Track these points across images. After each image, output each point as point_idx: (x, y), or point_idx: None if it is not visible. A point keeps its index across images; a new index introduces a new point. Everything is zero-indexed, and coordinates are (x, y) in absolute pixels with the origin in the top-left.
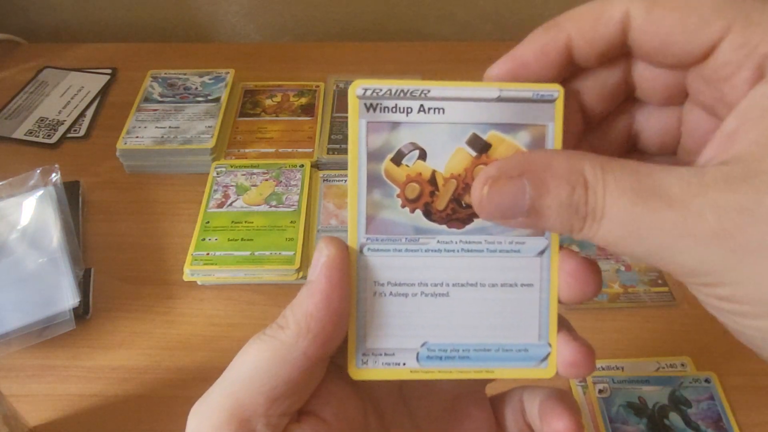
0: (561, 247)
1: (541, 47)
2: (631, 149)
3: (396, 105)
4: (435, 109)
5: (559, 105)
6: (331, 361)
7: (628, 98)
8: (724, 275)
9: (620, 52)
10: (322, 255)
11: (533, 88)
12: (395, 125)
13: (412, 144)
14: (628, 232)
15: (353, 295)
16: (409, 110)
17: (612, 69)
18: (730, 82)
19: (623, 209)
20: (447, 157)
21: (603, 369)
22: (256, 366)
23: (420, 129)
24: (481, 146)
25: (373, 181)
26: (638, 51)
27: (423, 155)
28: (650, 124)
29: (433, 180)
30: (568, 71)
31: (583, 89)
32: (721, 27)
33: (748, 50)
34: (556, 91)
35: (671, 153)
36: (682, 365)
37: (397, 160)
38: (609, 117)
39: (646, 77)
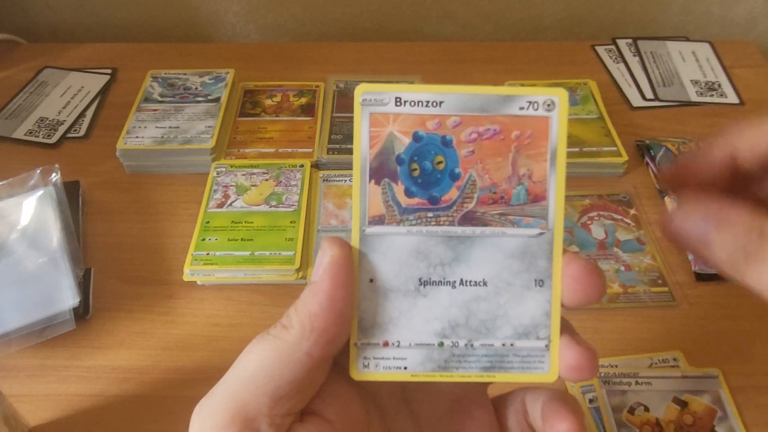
0: (564, 250)
1: (711, 157)
2: None
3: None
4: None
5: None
6: (334, 362)
7: None
8: None
9: None
10: (326, 255)
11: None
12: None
13: None
14: None
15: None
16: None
17: None
18: None
19: None
20: None
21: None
22: (260, 365)
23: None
24: None
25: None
26: None
27: None
28: None
29: None
30: (735, 178)
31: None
32: None
33: None
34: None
35: None
36: (674, 360)
37: None
38: None
39: None
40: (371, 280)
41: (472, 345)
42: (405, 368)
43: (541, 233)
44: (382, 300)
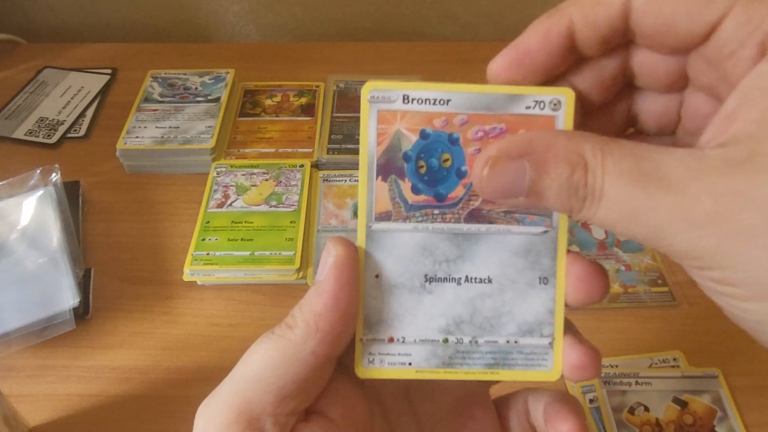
0: (568, 251)
1: (544, 33)
2: (629, 128)
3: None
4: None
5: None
6: (338, 362)
7: (627, 85)
8: (718, 259)
9: (621, 39)
10: (331, 255)
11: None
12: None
13: None
14: (626, 213)
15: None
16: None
17: (612, 58)
18: (732, 61)
19: (621, 191)
20: None
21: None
22: (265, 365)
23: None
24: None
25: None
26: (640, 35)
27: None
28: (649, 108)
29: None
30: (570, 59)
31: (583, 80)
32: (723, 5)
33: (750, 28)
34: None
35: (670, 134)
36: (674, 360)
37: None
38: (608, 103)
39: (647, 65)
40: (377, 276)
41: (476, 342)
42: (410, 364)
43: (546, 231)
44: (388, 296)
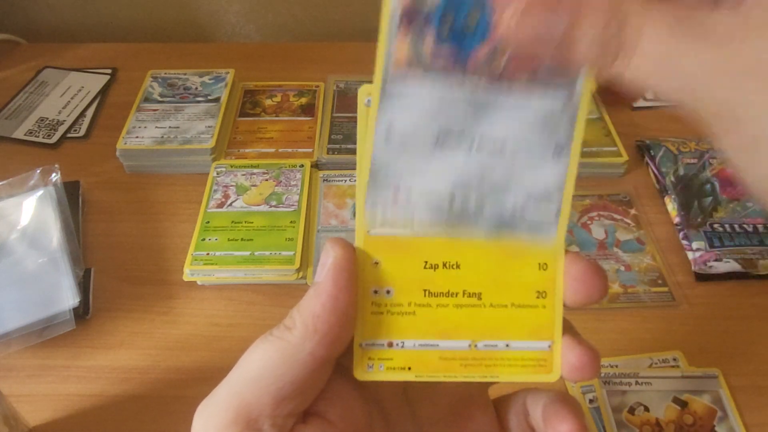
0: (566, 251)
1: None
2: None
3: None
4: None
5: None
6: (336, 363)
7: None
8: (754, 112)
9: None
10: (329, 256)
11: None
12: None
13: None
14: (663, 64)
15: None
16: None
17: None
18: None
19: (661, 41)
20: None
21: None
22: (263, 366)
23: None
24: None
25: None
26: None
27: None
28: None
29: None
30: None
31: None
32: None
33: None
34: None
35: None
36: (674, 360)
37: None
38: None
39: None
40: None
41: (475, 345)
42: (409, 369)
43: (567, 101)
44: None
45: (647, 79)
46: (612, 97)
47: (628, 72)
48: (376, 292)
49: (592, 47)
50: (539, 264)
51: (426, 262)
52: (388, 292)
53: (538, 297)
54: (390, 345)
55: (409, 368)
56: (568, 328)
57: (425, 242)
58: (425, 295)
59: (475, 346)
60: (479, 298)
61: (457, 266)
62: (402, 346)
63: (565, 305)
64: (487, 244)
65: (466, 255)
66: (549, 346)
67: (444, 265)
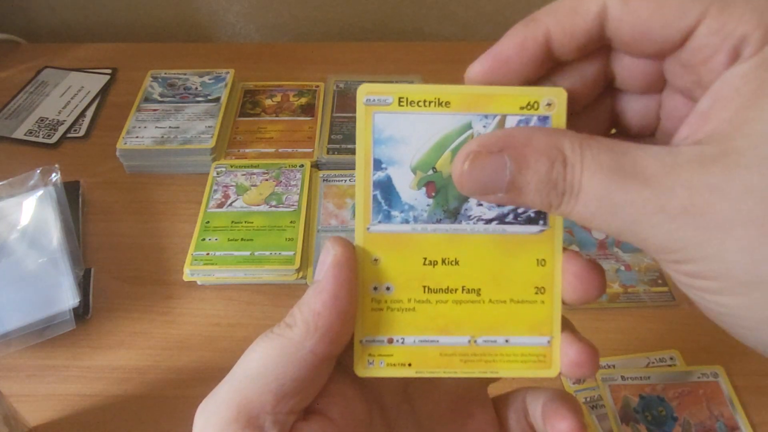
0: (565, 249)
1: (521, 42)
2: (612, 129)
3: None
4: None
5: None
6: (337, 361)
7: (608, 86)
8: (693, 251)
9: (599, 44)
10: (329, 254)
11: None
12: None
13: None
14: (604, 207)
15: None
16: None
17: (591, 62)
18: (707, 65)
19: (599, 185)
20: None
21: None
22: (264, 364)
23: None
24: None
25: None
26: (616, 42)
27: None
28: (630, 109)
29: None
30: (548, 65)
31: (563, 82)
32: (697, 12)
33: (724, 34)
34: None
35: (650, 135)
36: (671, 359)
37: None
38: (591, 104)
39: (625, 67)
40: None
41: (475, 342)
42: (409, 365)
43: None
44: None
45: (592, 220)
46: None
47: (574, 212)
48: (375, 288)
49: (539, 190)
50: (537, 260)
51: (425, 258)
52: (387, 288)
53: (537, 293)
54: (390, 341)
55: (410, 364)
56: (567, 325)
57: (424, 239)
58: (425, 292)
59: (475, 341)
60: (478, 294)
61: (456, 263)
62: (402, 343)
63: (564, 303)
64: (485, 240)
65: (465, 251)
66: (548, 342)
67: (443, 261)
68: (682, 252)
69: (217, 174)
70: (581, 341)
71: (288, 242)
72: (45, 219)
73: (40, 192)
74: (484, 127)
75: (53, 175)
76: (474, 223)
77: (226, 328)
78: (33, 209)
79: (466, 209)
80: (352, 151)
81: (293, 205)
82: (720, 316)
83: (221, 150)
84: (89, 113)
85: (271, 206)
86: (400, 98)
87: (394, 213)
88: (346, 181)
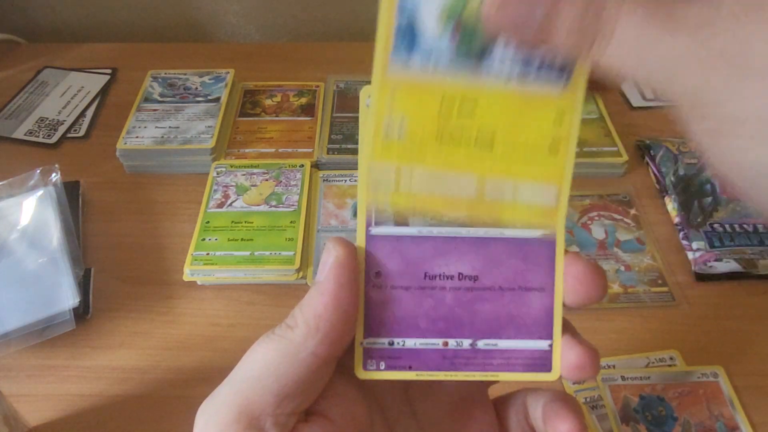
0: (566, 251)
1: None
2: None
3: None
4: None
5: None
6: (338, 362)
7: None
8: (726, 95)
9: None
10: (331, 255)
11: None
12: None
13: None
14: (638, 50)
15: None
16: None
17: None
18: None
19: (635, 27)
20: None
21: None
22: (265, 365)
23: None
24: None
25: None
26: None
27: None
28: None
29: None
30: None
31: None
32: None
33: None
34: None
35: None
36: (671, 359)
37: None
38: None
39: None
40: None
41: (475, 345)
42: (410, 367)
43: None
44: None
45: (622, 66)
46: (591, 83)
47: (605, 58)
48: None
49: (570, 34)
50: (555, 118)
51: (441, 105)
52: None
53: (550, 151)
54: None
55: (410, 367)
56: (568, 328)
57: (442, 85)
58: (436, 139)
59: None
60: (491, 150)
61: (472, 114)
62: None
63: (564, 305)
64: (504, 94)
65: (483, 103)
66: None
67: (459, 112)
68: (715, 95)
69: (217, 174)
70: (581, 344)
71: (288, 242)
72: (45, 219)
73: (40, 192)
74: None
75: (53, 175)
76: (496, 76)
77: (226, 328)
78: (33, 209)
79: (490, 60)
80: (352, 151)
81: (293, 205)
82: (744, 171)
83: (221, 150)
84: (89, 113)
85: (271, 206)
86: None
87: (415, 56)
88: (346, 181)
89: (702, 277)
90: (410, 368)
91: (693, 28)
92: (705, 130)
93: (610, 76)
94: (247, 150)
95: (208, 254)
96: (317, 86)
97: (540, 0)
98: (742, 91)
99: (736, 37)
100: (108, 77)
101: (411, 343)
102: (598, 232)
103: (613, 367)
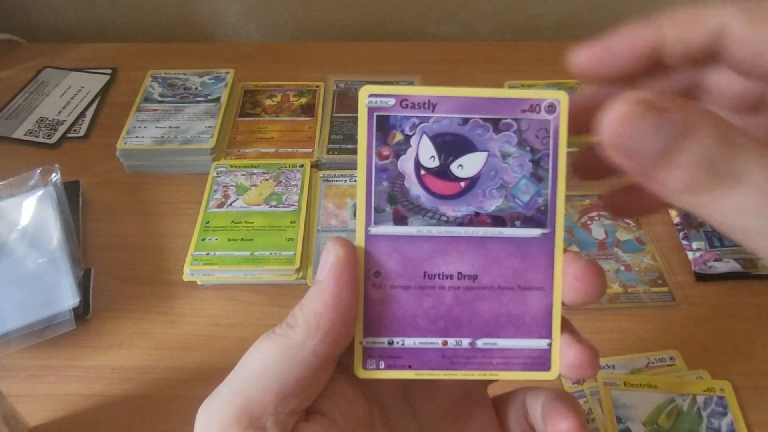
0: (565, 249)
1: (634, 40)
2: None
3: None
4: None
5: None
6: (338, 361)
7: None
8: None
9: (708, 57)
10: (331, 255)
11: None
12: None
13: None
14: (764, 204)
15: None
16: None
17: (688, 72)
18: None
19: (765, 177)
20: None
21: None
22: (266, 364)
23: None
24: None
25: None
26: (730, 59)
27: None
28: None
29: None
30: (651, 67)
31: (653, 84)
32: None
33: None
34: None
35: None
36: (671, 359)
37: None
38: None
39: (725, 84)
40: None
41: (475, 344)
42: (409, 367)
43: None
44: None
45: (747, 215)
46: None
47: (724, 205)
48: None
49: (698, 166)
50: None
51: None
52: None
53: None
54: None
55: (410, 366)
56: (567, 327)
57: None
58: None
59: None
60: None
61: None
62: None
63: (564, 304)
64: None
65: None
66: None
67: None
68: None
69: (217, 174)
70: (581, 342)
71: (288, 242)
72: (45, 219)
73: (40, 192)
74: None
75: (53, 175)
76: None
77: (226, 328)
78: (33, 209)
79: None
80: (352, 151)
81: (293, 205)
82: None
83: (221, 150)
84: (89, 113)
85: (271, 206)
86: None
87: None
88: (346, 181)
89: (702, 277)
90: (410, 367)
91: None
92: None
93: (722, 228)
94: (247, 150)
95: (208, 254)
96: (317, 86)
97: (665, 126)
98: None
99: None
100: (108, 77)
101: (410, 342)
102: (598, 232)
103: (613, 367)
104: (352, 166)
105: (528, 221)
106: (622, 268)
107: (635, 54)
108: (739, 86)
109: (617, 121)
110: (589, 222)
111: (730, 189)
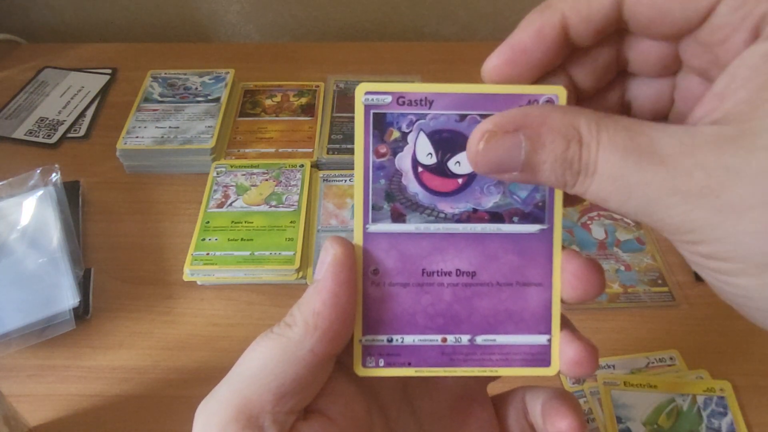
0: (564, 248)
1: (538, 30)
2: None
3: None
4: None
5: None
6: (337, 360)
7: (619, 72)
8: (708, 232)
9: (615, 28)
10: (329, 254)
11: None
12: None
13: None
14: (619, 187)
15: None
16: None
17: (605, 46)
18: (726, 45)
19: (615, 165)
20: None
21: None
22: (264, 363)
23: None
24: None
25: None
26: (634, 24)
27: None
28: (643, 93)
29: None
30: (565, 52)
31: (576, 69)
32: None
33: (744, 12)
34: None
35: (663, 118)
36: (671, 358)
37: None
38: (601, 90)
39: (640, 50)
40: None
41: (474, 340)
42: (409, 364)
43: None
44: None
45: (608, 200)
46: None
47: (589, 192)
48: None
49: (554, 169)
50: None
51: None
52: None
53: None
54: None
55: (409, 363)
56: (566, 324)
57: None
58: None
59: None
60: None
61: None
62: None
63: (563, 301)
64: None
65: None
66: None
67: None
68: (697, 233)
69: (217, 174)
70: (580, 339)
71: (288, 242)
72: (45, 219)
73: (40, 192)
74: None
75: (53, 175)
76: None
77: (225, 328)
78: (33, 209)
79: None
80: (352, 151)
81: (293, 205)
82: (734, 297)
83: (221, 150)
84: (89, 113)
85: (271, 206)
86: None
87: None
88: (346, 181)
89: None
90: (409, 365)
91: (670, 160)
92: (692, 260)
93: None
94: (247, 150)
95: (208, 254)
96: (317, 86)
97: (520, 143)
98: (722, 229)
99: (713, 171)
100: (108, 77)
101: (410, 339)
102: (598, 232)
103: (613, 366)
104: (352, 166)
105: (526, 217)
106: (622, 267)
107: (545, 45)
108: (654, 49)
109: (479, 154)
110: (589, 222)
111: (589, 179)
